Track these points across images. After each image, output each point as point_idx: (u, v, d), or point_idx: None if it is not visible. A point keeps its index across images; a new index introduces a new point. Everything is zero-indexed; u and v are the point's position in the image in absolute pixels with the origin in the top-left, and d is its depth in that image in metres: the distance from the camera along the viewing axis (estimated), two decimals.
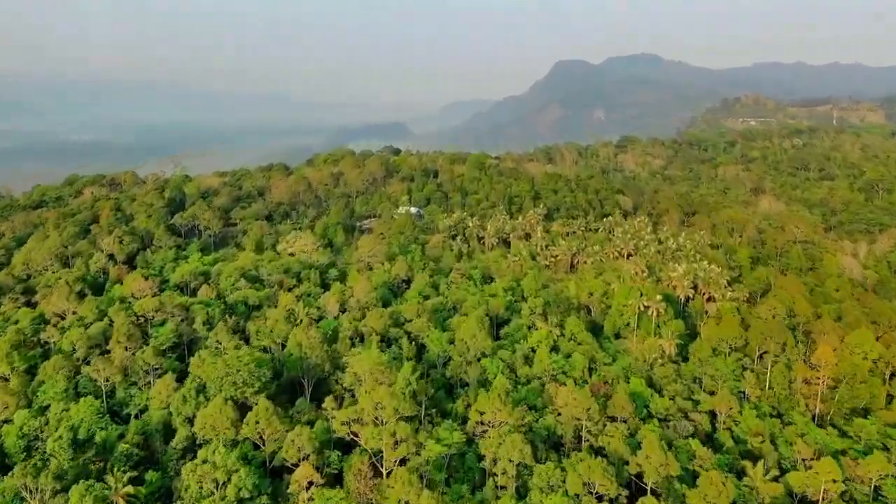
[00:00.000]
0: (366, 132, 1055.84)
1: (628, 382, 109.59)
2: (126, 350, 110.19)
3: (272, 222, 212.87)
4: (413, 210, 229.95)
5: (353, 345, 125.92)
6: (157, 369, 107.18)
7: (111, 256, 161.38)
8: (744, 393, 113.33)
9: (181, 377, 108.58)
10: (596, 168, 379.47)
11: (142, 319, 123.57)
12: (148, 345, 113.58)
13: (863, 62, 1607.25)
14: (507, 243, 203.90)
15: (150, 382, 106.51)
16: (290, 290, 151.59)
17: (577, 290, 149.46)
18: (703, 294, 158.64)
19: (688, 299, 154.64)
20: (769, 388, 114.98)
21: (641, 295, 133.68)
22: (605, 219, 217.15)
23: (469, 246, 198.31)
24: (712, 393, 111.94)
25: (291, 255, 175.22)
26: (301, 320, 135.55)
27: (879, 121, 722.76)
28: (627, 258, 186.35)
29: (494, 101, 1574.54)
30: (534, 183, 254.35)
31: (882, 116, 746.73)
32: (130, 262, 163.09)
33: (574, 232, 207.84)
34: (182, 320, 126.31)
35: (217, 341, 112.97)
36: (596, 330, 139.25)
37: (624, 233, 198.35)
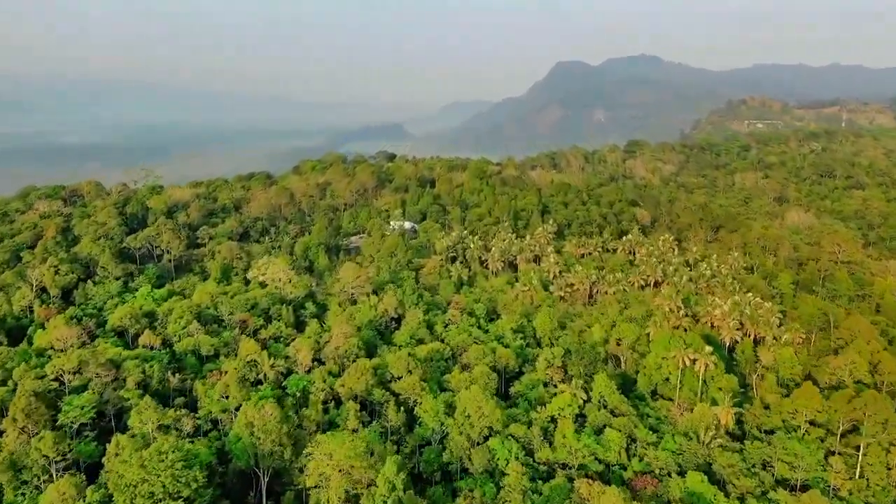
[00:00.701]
0: (364, 134, 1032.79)
1: (683, 476, 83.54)
2: (23, 433, 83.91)
3: (247, 241, 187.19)
4: (407, 225, 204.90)
5: (326, 410, 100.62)
6: (60, 461, 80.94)
7: (43, 290, 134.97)
8: (829, 485, 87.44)
9: (97, 469, 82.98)
10: (604, 175, 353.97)
11: (57, 383, 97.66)
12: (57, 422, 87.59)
13: (863, 63, 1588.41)
14: (513, 266, 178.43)
15: (51, 477, 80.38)
16: (255, 332, 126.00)
17: (601, 334, 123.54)
18: (750, 335, 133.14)
19: (734, 342, 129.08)
20: (860, 477, 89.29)
21: (687, 346, 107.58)
22: (623, 237, 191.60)
23: (470, 270, 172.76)
24: (790, 487, 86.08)
25: (263, 285, 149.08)
26: (265, 374, 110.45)
27: (889, 122, 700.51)
28: (654, 286, 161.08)
29: (494, 102, 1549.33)
30: (541, 194, 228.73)
31: (891, 118, 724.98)
32: (68, 297, 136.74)
33: (590, 253, 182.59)
34: (112, 381, 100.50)
35: (140, 421, 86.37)
36: (626, 385, 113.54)
37: (648, 255, 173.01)
